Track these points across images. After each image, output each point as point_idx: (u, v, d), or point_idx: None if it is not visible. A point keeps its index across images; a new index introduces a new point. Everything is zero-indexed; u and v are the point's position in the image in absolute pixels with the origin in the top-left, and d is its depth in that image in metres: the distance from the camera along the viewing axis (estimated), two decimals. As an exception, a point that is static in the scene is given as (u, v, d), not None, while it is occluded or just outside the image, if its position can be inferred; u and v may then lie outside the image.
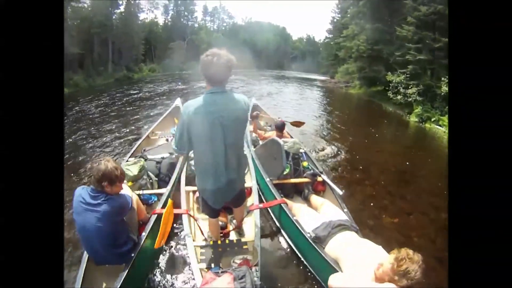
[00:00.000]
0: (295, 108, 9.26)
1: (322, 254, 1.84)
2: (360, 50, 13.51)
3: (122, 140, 5.05)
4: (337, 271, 1.68)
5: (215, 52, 1.36)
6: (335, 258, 1.77)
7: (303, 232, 2.04)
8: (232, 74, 1.51)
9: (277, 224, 2.59)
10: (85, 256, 1.72)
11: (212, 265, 1.82)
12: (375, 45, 12.67)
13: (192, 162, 2.64)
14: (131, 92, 11.76)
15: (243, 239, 2.09)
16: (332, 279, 1.57)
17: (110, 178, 1.55)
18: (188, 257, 1.86)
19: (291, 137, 3.65)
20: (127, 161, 2.92)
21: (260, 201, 2.56)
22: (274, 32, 47.67)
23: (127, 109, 8.10)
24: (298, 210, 2.37)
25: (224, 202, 1.74)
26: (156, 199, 2.61)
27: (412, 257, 1.27)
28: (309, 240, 1.96)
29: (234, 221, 2.27)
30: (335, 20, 26.62)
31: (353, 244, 1.78)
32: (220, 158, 1.51)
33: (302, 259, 2.18)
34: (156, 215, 2.11)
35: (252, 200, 2.43)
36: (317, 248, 1.89)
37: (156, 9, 31.07)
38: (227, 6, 52.15)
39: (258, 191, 2.67)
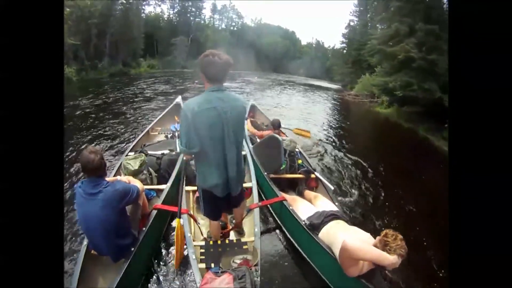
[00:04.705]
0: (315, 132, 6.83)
1: (316, 240, 2.10)
2: (409, 57, 9.89)
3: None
4: (331, 256, 1.94)
5: (215, 52, 1.54)
6: (328, 243, 2.03)
7: (300, 222, 2.29)
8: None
9: (277, 219, 2.84)
10: (83, 250, 1.83)
11: (212, 265, 1.92)
12: (428, 53, 9.50)
13: (192, 162, 2.77)
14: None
15: (243, 239, 2.21)
16: (347, 241, 1.76)
17: (102, 156, 1.71)
18: (188, 256, 1.96)
19: (287, 136, 4.12)
20: (126, 155, 3.06)
21: (260, 198, 2.73)
22: (283, 35, 48.81)
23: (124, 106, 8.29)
24: (293, 201, 2.64)
25: (232, 192, 1.84)
26: (154, 194, 2.73)
27: (396, 238, 1.66)
28: (304, 228, 2.22)
29: (234, 221, 2.38)
30: (352, 23, 26.98)
31: (344, 230, 2.03)
32: (227, 153, 1.66)
33: (299, 248, 2.42)
34: (156, 211, 2.23)
35: (252, 199, 2.58)
36: (311, 234, 2.15)
37: (163, 3, 31.91)
38: (236, 5, 53.50)
39: (258, 189, 2.87)
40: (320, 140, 6.10)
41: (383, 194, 3.89)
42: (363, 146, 6.60)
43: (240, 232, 2.40)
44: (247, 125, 4.43)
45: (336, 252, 1.86)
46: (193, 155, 1.75)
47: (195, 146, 1.59)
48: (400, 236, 1.68)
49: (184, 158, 1.97)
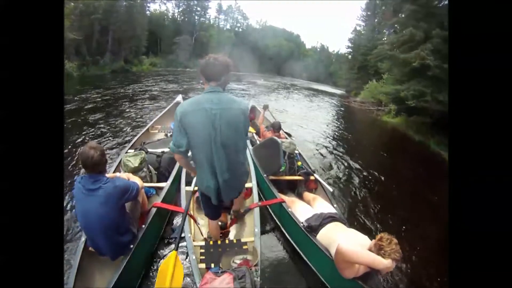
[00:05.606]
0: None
1: (314, 241, 2.16)
2: (424, 65, 9.10)
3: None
4: (328, 258, 1.98)
5: (213, 55, 1.61)
6: (326, 245, 2.09)
7: (298, 224, 2.35)
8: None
9: (276, 220, 2.89)
10: (81, 247, 1.83)
11: (212, 265, 1.93)
12: (444, 62, 8.66)
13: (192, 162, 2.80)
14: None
15: (242, 239, 2.22)
16: (342, 244, 1.80)
17: (102, 152, 1.71)
18: (188, 257, 1.97)
19: (287, 138, 4.28)
20: (126, 152, 3.09)
21: (260, 199, 2.77)
22: (288, 38, 49.24)
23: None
24: (292, 203, 2.71)
25: (225, 200, 1.80)
26: (154, 192, 2.76)
27: (391, 243, 1.69)
28: (303, 229, 2.27)
29: (232, 212, 2.43)
30: (358, 28, 27.13)
31: (342, 232, 2.08)
32: (214, 156, 1.59)
33: (298, 249, 2.47)
34: (156, 208, 2.25)
35: (252, 199, 2.61)
36: (309, 236, 2.21)
37: (169, 1, 32.26)
38: (242, 7, 54.12)
39: (258, 190, 2.90)
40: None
41: (391, 212, 3.69)
42: (373, 160, 6.14)
43: (239, 231, 2.41)
44: (259, 125, 4.58)
45: (334, 253, 1.89)
46: (183, 155, 1.68)
47: (182, 145, 1.59)
48: (395, 241, 1.71)
49: (176, 158, 1.80)
